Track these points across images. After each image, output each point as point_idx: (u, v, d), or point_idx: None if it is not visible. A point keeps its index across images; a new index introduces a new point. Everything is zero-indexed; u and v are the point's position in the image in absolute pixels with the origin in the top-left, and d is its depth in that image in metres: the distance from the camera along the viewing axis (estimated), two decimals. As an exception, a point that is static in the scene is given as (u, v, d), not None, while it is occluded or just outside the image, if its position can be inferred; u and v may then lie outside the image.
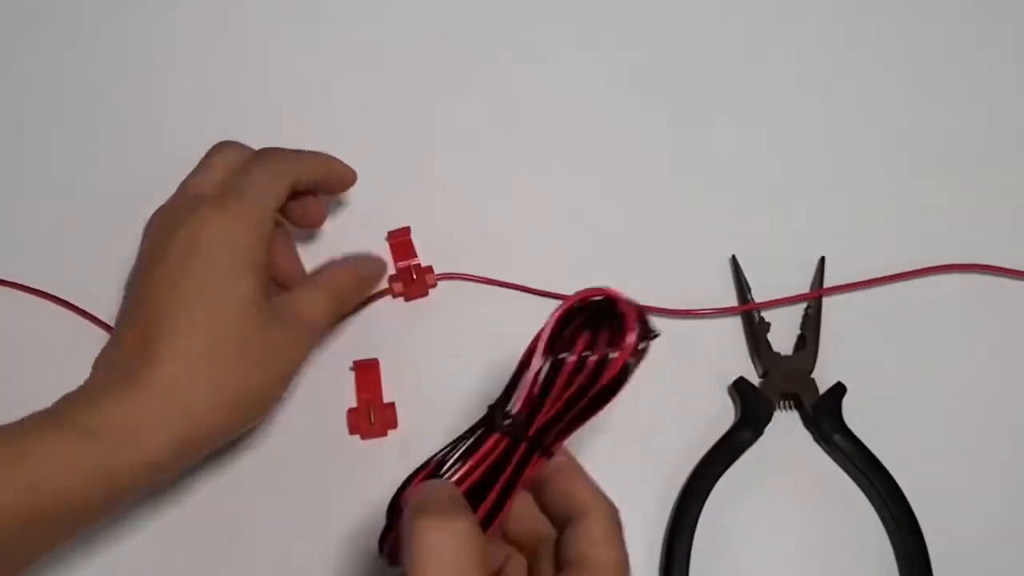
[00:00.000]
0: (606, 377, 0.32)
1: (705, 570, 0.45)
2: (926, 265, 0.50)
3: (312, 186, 0.45)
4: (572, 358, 0.32)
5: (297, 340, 0.40)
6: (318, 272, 0.45)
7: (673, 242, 0.52)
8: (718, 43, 0.58)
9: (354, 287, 0.46)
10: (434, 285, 0.50)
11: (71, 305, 0.50)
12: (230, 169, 0.42)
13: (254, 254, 0.39)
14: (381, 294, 0.50)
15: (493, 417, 0.33)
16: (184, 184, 0.42)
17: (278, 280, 0.46)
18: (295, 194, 0.44)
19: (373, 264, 0.48)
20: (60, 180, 0.54)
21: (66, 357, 0.49)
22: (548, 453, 0.34)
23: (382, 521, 0.34)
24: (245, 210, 0.39)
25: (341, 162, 0.47)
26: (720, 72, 0.57)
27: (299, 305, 0.41)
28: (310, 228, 0.50)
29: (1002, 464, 0.47)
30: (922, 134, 0.55)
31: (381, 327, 0.50)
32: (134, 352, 0.37)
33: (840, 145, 0.55)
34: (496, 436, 0.33)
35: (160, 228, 0.40)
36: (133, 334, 0.38)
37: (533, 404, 0.32)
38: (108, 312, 0.50)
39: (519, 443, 0.33)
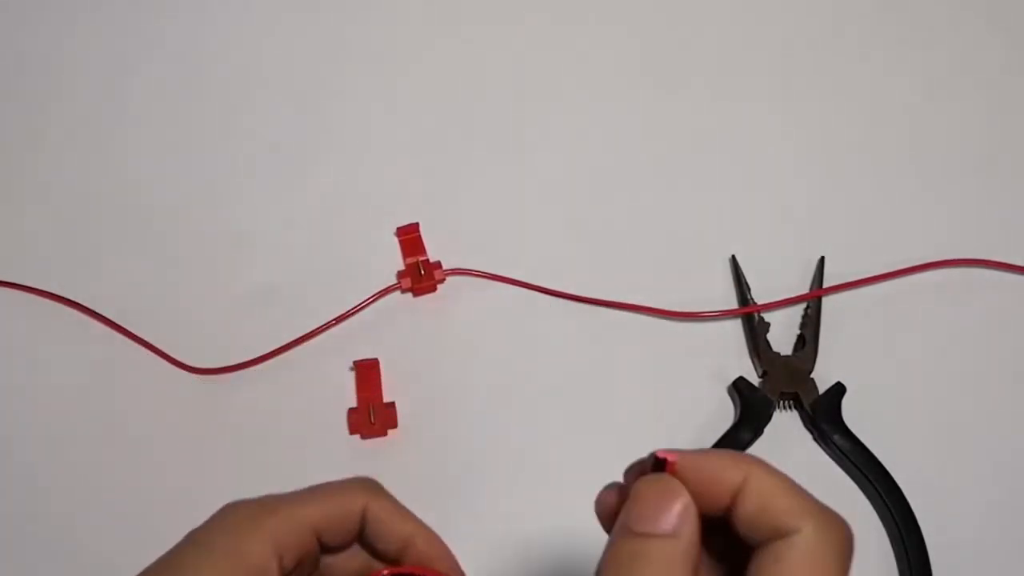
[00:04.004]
0: None
1: (706, 570, 0.45)
2: (924, 261, 0.51)
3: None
4: None
5: None
6: None
7: (673, 242, 0.52)
8: (719, 43, 0.58)
9: None
10: (442, 280, 0.50)
11: (75, 303, 0.50)
12: None
13: None
14: (389, 289, 0.50)
15: None
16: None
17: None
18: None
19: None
20: (63, 180, 0.54)
21: (68, 356, 0.50)
22: None
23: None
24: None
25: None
26: (721, 73, 0.57)
27: None
28: None
29: (1002, 463, 0.47)
30: (920, 133, 0.56)
31: (390, 321, 0.50)
32: None
33: (840, 145, 0.55)
34: None
35: None
36: None
37: None
38: (111, 310, 0.49)
39: None
